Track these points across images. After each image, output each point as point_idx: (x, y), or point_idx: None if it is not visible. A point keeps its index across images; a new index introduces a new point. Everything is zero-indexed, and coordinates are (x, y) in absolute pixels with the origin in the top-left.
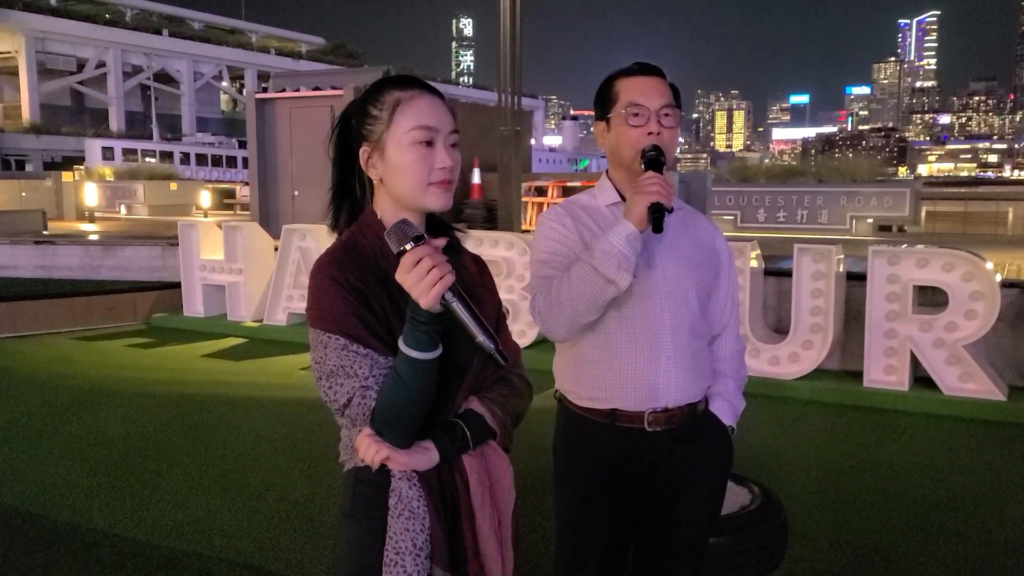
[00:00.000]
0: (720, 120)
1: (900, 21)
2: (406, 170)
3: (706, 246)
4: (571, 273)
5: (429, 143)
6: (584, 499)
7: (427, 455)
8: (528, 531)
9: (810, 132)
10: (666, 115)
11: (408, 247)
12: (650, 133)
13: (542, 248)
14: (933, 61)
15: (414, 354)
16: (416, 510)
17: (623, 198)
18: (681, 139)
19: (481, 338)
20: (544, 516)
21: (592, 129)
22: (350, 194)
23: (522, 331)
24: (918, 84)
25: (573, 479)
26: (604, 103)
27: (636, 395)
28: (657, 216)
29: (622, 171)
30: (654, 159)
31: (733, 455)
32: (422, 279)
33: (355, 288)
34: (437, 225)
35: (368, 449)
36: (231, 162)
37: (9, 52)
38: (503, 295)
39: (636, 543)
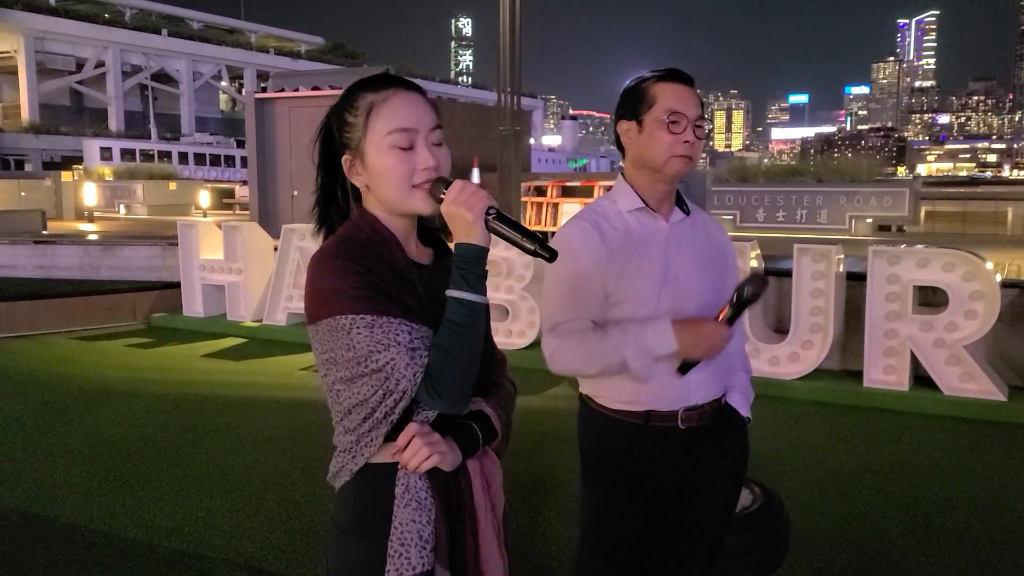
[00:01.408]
0: (719, 120)
1: (899, 21)
2: (387, 176)
3: (719, 246)
4: (604, 343)
5: (409, 147)
6: (612, 499)
7: (456, 454)
8: (528, 531)
9: (809, 132)
10: (699, 126)
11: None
12: (686, 142)
13: (567, 272)
14: (932, 61)
15: (468, 296)
16: (423, 501)
17: (645, 202)
18: None
19: (525, 241)
20: (544, 516)
21: (617, 128)
22: (335, 201)
23: (522, 331)
24: (917, 84)
25: (602, 479)
26: (636, 105)
27: (671, 396)
28: (690, 366)
29: (645, 173)
30: (740, 309)
31: (749, 447)
32: (470, 197)
33: (367, 268)
34: (430, 234)
35: (419, 453)
36: (230, 162)
37: (8, 52)
38: (503, 295)
39: (655, 539)
